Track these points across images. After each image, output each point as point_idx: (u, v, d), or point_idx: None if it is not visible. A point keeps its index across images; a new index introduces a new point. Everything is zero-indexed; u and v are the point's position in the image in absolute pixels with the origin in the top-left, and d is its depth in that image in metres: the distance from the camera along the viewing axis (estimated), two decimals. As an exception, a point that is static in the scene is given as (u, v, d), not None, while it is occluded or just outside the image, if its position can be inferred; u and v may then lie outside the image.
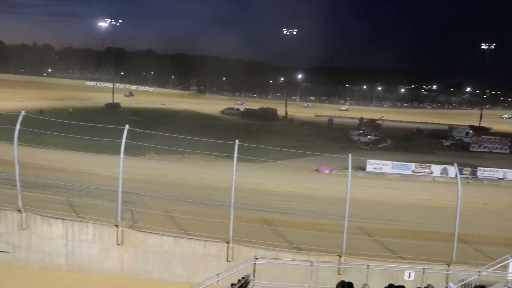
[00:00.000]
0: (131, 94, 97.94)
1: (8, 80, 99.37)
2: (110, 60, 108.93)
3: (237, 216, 18.34)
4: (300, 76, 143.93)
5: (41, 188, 22.77)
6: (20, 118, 18.17)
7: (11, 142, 18.51)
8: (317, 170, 37.32)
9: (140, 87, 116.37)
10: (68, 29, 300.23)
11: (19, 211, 18.56)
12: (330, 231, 19.95)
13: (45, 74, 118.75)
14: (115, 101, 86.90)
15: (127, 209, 20.33)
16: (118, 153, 18.00)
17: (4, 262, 19.10)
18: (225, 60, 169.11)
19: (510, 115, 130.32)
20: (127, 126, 17.83)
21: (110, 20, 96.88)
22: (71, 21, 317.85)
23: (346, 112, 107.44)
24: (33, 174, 23.44)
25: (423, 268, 17.29)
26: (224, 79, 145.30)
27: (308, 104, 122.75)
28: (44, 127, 24.21)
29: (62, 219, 18.63)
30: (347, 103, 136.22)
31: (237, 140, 18.01)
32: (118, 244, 18.37)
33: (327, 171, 36.80)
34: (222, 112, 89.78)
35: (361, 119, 78.24)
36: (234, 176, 17.79)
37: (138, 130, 18.51)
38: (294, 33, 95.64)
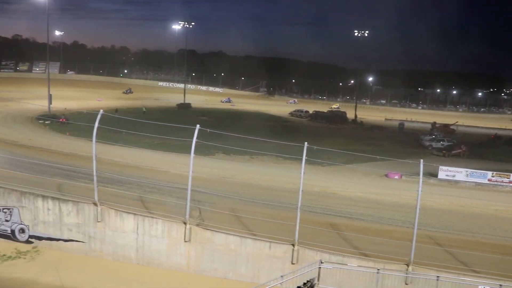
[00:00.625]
0: (129, 90, 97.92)
1: (89, 80, 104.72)
2: (182, 61, 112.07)
3: (303, 219, 18.27)
4: (370, 78, 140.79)
5: (115, 184, 23.83)
6: (99, 116, 19.11)
7: (90, 139, 19.52)
8: (386, 175, 36.38)
9: (211, 88, 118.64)
10: (144, 32, 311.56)
11: (95, 204, 19.55)
12: (398, 238, 19.40)
13: (121, 75, 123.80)
14: (187, 101, 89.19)
15: (195, 207, 20.78)
16: (188, 152, 18.47)
17: (81, 252, 20.21)
18: (295, 62, 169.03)
19: None
20: (198, 126, 18.24)
21: (183, 23, 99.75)
22: (147, 25, 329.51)
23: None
24: (109, 170, 24.62)
25: (500, 285, 16.32)
26: (293, 81, 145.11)
27: (294, 100, 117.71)
28: (119, 126, 25.27)
29: (134, 214, 19.40)
30: (419, 107, 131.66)
31: (306, 143, 17.93)
32: (185, 241, 18.87)
33: (396, 177, 35.80)
34: (291, 114, 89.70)
35: (433, 123, 75.45)
36: (302, 179, 17.72)
37: (208, 130, 18.90)
38: (366, 34, 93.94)
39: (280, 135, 46.26)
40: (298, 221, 17.94)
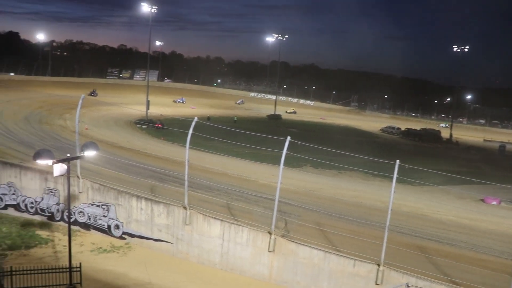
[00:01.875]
0: (182, 100, 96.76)
1: (184, 88, 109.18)
2: (275, 73, 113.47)
3: (390, 239, 17.59)
4: (469, 96, 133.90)
5: (204, 189, 24.55)
6: (193, 123, 19.77)
7: (183, 144, 20.31)
8: (482, 200, 34.19)
9: (301, 101, 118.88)
10: (238, 44, 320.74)
11: (184, 208, 20.23)
12: (494, 269, 18.07)
13: (215, 84, 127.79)
14: (277, 113, 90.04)
15: (281, 218, 20.81)
16: (276, 162, 18.57)
17: (168, 252, 20.99)
18: (388, 77, 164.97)
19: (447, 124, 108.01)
20: (288, 138, 18.27)
21: (277, 35, 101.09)
22: (241, 36, 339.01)
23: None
24: (199, 175, 25.43)
25: None
26: (386, 96, 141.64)
27: (242, 100, 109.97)
28: (211, 133, 25.97)
29: (221, 220, 19.81)
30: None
31: (397, 161, 17.29)
32: (269, 251, 18.91)
33: (494, 202, 33.52)
34: (382, 130, 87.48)
35: (539, 147, 70.12)
36: (391, 197, 17.11)
37: (299, 142, 18.86)
38: (466, 50, 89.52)
39: (370, 151, 45.22)
40: (385, 240, 17.31)
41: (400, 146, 68.55)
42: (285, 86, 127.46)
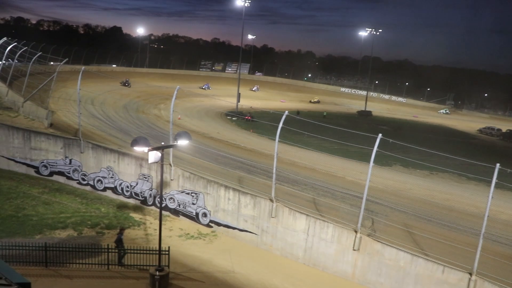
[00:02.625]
0: (207, 86, 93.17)
1: (274, 82, 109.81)
2: (366, 68, 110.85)
3: (484, 247, 16.59)
4: None
5: (290, 183, 24.61)
6: (284, 117, 19.87)
7: (271, 137, 20.49)
8: None
9: (393, 97, 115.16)
10: (330, 38, 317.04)
11: (271, 200, 20.45)
12: None
13: (305, 78, 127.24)
14: (367, 109, 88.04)
15: (368, 217, 20.38)
16: (365, 160, 18.20)
17: (253, 243, 21.36)
18: (490, 74, 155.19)
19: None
20: (380, 135, 17.80)
21: (370, 29, 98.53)
22: (333, 31, 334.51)
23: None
24: (286, 169, 25.54)
25: None
26: (486, 95, 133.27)
27: (257, 87, 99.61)
28: (299, 127, 25.95)
29: (307, 215, 19.79)
30: None
31: (497, 164, 16.17)
32: (354, 249, 18.63)
33: None
34: (480, 131, 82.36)
35: None
36: (489, 203, 16.08)
37: (390, 140, 18.30)
38: None
39: (465, 152, 42.85)
40: (479, 248, 16.34)
41: (500, 148, 64.23)
42: (376, 82, 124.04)
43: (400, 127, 69.37)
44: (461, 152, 36.40)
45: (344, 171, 30.65)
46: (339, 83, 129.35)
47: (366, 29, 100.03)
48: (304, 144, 31.87)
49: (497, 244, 20.81)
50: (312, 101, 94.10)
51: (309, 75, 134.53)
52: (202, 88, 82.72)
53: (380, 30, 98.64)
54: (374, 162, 18.01)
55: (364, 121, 73.42)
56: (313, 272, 19.54)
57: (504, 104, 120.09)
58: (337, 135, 30.10)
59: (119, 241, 18.49)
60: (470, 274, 16.58)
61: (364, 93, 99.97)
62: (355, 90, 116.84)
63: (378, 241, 18.36)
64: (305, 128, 28.18)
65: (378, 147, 17.81)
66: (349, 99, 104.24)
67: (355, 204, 20.82)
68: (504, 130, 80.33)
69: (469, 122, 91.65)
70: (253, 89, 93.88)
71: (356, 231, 18.51)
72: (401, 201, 25.26)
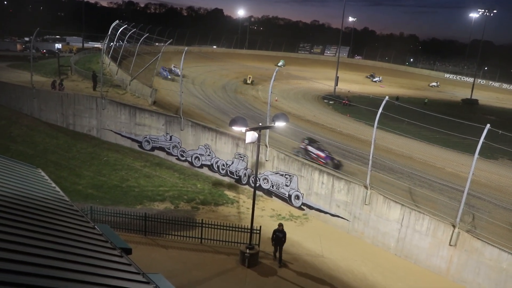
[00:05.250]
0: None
1: (374, 66, 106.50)
2: (475, 53, 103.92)
3: None
4: None
5: (386, 171, 23.91)
6: (384, 102, 19.30)
7: (369, 122, 19.99)
8: None
9: (504, 85, 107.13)
10: (435, 20, 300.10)
11: (365, 187, 20.09)
12: None
13: (407, 63, 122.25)
14: (474, 97, 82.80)
15: (468, 212, 19.31)
16: (468, 151, 17.27)
17: (343, 228, 21.19)
18: None
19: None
20: (488, 125, 16.69)
21: (482, 10, 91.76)
22: (440, 12, 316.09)
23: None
24: (383, 156, 24.83)
25: None
26: None
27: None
28: (398, 114, 25.05)
29: (402, 204, 19.21)
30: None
31: None
32: (450, 245, 17.81)
33: None
34: None
35: None
36: None
37: (500, 131, 17.13)
38: None
39: None
40: None
41: None
42: (485, 68, 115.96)
43: (510, 117, 64.54)
44: None
45: (443, 162, 29.19)
46: (444, 68, 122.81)
47: (478, 10, 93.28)
48: (402, 132, 30.66)
49: None
50: (430, 85, 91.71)
51: (411, 59, 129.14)
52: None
53: (495, 11, 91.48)
54: (479, 154, 16.98)
55: (469, 110, 69.17)
56: (404, 264, 18.99)
57: None
58: (438, 123, 28.69)
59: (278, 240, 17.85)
60: None
61: (470, 80, 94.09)
62: (460, 76, 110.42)
63: (479, 239, 17.36)
64: (404, 115, 27.08)
65: (484, 138, 16.75)
66: (454, 86, 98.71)
67: (454, 197, 19.80)
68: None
69: None
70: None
71: (454, 226, 17.66)
72: (507, 198, 23.63)
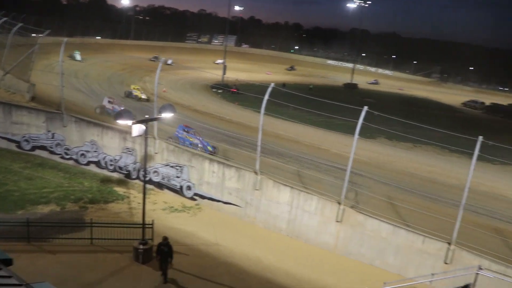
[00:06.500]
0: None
1: (261, 54, 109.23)
2: (354, 41, 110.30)
3: (464, 218, 16.90)
4: None
5: (275, 155, 24.65)
6: (269, 89, 19.73)
7: (257, 110, 20.30)
8: None
9: (380, 70, 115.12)
10: (318, 10, 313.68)
11: (255, 173, 20.48)
12: None
13: (292, 51, 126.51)
14: (354, 82, 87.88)
15: (352, 189, 20.53)
16: (350, 132, 18.20)
17: (237, 215, 21.48)
18: (476, 48, 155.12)
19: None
20: (365, 107, 17.80)
21: (359, 1, 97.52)
22: (321, 2, 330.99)
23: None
24: (271, 141, 25.54)
25: None
26: (471, 68, 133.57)
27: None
28: (285, 100, 25.83)
29: (291, 187, 19.89)
30: None
31: (480, 137, 16.34)
32: (337, 221, 18.82)
33: None
34: (464, 104, 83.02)
35: None
36: (470, 175, 16.35)
37: (376, 113, 18.34)
38: None
39: (449, 125, 43.16)
40: (459, 219, 16.67)
41: (483, 121, 64.84)
42: (363, 54, 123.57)
43: (386, 100, 69.60)
44: (444, 125, 36.54)
45: (328, 144, 30.78)
46: (326, 55, 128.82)
47: (355, 1, 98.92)
48: (289, 117, 31.82)
49: (477, 215, 21.25)
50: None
51: (296, 47, 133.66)
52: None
53: (369, 2, 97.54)
54: (358, 134, 18.07)
55: (350, 94, 73.38)
56: (296, 243, 19.75)
57: (488, 78, 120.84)
58: (322, 108, 30.05)
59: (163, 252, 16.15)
60: (449, 244, 16.93)
61: (351, 65, 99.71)
62: (342, 62, 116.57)
63: (361, 213, 18.59)
64: (290, 100, 28.04)
65: (363, 119, 17.85)
66: (336, 71, 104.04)
67: (339, 176, 20.91)
68: (487, 103, 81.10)
69: (454, 95, 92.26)
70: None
71: (339, 203, 18.68)
72: (385, 173, 25.49)
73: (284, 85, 61.00)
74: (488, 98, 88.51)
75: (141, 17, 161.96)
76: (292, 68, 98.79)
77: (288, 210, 19.95)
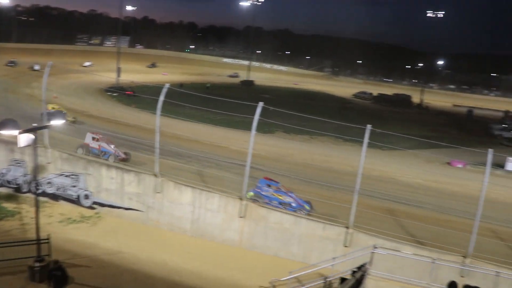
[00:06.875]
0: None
1: (156, 55, 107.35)
2: (248, 38, 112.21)
3: (360, 203, 17.95)
4: (441, 62, 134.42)
5: (175, 156, 24.43)
6: (164, 90, 19.50)
7: (154, 111, 19.96)
8: (449, 163, 35.08)
9: (275, 66, 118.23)
10: (213, 9, 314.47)
11: (155, 175, 20.14)
12: (457, 229, 18.55)
13: (187, 50, 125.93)
14: (250, 79, 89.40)
15: (253, 184, 20.87)
16: (249, 128, 18.54)
17: (139, 220, 20.98)
18: (363, 42, 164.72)
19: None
20: (261, 103, 18.23)
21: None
22: (216, 0, 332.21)
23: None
24: (170, 143, 25.26)
25: None
26: (359, 62, 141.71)
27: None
28: (183, 100, 25.72)
29: (192, 187, 19.83)
30: (492, 94, 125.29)
31: (369, 125, 17.49)
32: (240, 217, 19.10)
33: (460, 165, 34.38)
34: (355, 95, 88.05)
35: (506, 112, 71.39)
36: (362, 162, 17.40)
37: (271, 108, 18.83)
38: (440, 15, 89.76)
39: (342, 116, 45.53)
40: (354, 204, 17.67)
41: (372, 111, 69.15)
42: (258, 51, 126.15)
43: (282, 95, 71.67)
44: (338, 116, 38.51)
45: (228, 141, 31.10)
46: (222, 53, 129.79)
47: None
48: (187, 117, 31.75)
49: (371, 198, 22.55)
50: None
51: (192, 46, 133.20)
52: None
53: (262, 0, 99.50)
54: (256, 130, 18.45)
55: (247, 91, 74.59)
56: (202, 243, 19.73)
57: (374, 70, 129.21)
58: (220, 106, 30.27)
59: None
60: (347, 228, 17.89)
61: (246, 62, 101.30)
62: (237, 60, 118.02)
63: (263, 207, 19.05)
64: (188, 100, 27.95)
65: (260, 115, 18.27)
66: (232, 69, 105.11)
67: (240, 172, 21.16)
68: (375, 94, 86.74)
69: (345, 88, 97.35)
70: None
71: (241, 199, 18.96)
72: (284, 166, 26.33)
73: (181, 85, 60.62)
74: (376, 89, 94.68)
75: (25, 18, 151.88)
76: (153, 65, 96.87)
77: (191, 210, 19.88)
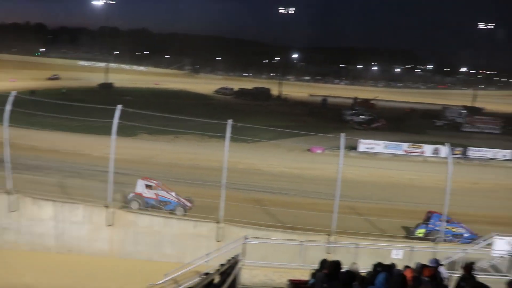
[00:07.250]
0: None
1: (0, 59, 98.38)
2: (104, 39, 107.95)
3: (228, 196, 18.41)
4: (295, 55, 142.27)
5: (32, 170, 22.82)
6: (11, 98, 18.02)
7: (1, 123, 18.38)
8: (309, 150, 37.41)
9: (134, 67, 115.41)
10: (63, 8, 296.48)
11: (8, 193, 18.51)
12: (321, 210, 19.95)
13: (37, 53, 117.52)
14: (109, 81, 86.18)
15: (119, 190, 20.32)
16: (110, 133, 17.97)
17: (-7, 246, 19.03)
18: (221, 39, 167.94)
19: None
20: (119, 106, 17.77)
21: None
22: (65, 0, 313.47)
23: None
24: (24, 155, 23.50)
25: (411, 247, 17.51)
26: (219, 58, 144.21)
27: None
28: (35, 108, 24.10)
29: (53, 200, 18.62)
30: (342, 83, 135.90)
31: (229, 120, 17.99)
32: (108, 225, 18.43)
33: (319, 151, 36.87)
34: (216, 91, 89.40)
35: (355, 99, 77.72)
36: (226, 156, 17.85)
37: (130, 110, 18.45)
38: (291, 12, 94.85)
39: (205, 113, 46.07)
40: (223, 198, 18.08)
41: (234, 106, 70.80)
42: (116, 52, 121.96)
43: (143, 95, 70.34)
44: (201, 114, 38.90)
45: (89, 148, 29.80)
46: (77, 56, 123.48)
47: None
48: (43, 126, 29.71)
49: (239, 190, 23.26)
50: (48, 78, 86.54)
51: (42, 49, 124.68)
52: None
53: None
54: (118, 134, 18.02)
55: (106, 94, 71.86)
56: (69, 258, 18.59)
57: (233, 66, 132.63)
58: (78, 111, 28.81)
59: None
60: (218, 222, 18.27)
61: (104, 64, 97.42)
62: (94, 62, 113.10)
63: (131, 212, 18.70)
64: (42, 108, 26.14)
65: (121, 118, 17.81)
66: (89, 72, 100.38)
67: (104, 179, 20.39)
68: (236, 89, 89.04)
69: (206, 84, 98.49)
70: None
71: (107, 207, 18.32)
72: (150, 168, 25.99)
73: (33, 92, 56.35)
74: (236, 84, 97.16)
75: None
76: (55, 77, 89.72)
77: (54, 225, 18.63)
